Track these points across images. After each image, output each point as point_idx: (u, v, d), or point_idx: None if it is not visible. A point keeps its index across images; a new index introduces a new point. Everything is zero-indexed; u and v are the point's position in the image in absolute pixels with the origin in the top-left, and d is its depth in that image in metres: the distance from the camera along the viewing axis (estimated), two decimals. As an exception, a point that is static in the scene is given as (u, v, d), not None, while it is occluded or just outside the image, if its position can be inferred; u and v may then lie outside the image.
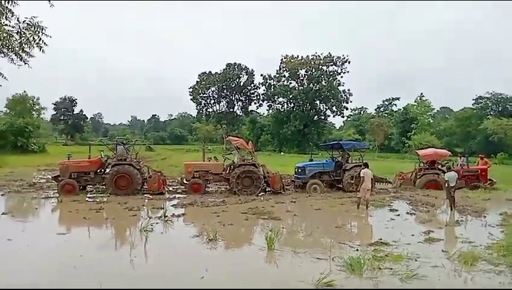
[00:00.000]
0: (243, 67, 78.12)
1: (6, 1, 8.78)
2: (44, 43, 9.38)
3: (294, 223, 11.12)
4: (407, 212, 12.38)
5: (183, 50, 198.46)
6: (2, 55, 9.39)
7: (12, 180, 18.76)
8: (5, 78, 9.60)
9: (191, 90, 79.67)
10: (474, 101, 73.27)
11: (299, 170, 17.35)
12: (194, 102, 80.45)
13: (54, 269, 6.64)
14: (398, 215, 11.92)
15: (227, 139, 21.52)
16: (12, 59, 9.44)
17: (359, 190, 12.64)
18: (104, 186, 15.33)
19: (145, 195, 14.85)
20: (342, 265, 6.69)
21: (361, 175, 12.69)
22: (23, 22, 9.16)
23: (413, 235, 9.15)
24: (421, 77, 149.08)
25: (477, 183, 18.07)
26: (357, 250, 7.83)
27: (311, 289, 5.82)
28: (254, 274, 6.58)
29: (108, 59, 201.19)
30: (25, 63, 9.65)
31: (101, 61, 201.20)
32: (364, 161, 15.35)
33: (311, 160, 18.68)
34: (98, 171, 15.90)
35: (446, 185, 12.85)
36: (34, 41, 9.21)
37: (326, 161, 17.96)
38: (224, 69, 77.63)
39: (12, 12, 8.90)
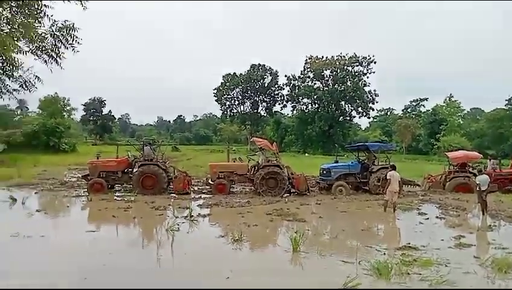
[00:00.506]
0: (267, 68, 78.21)
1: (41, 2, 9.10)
2: (78, 42, 9.73)
3: (319, 225, 11.02)
4: (437, 216, 12.04)
5: (206, 51, 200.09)
6: (36, 57, 9.80)
7: (45, 179, 19.46)
8: (41, 81, 10.00)
9: (215, 91, 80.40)
10: (506, 102, 70.60)
11: (325, 172, 17.18)
12: (219, 103, 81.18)
13: (84, 266, 6.80)
14: (427, 219, 11.61)
15: (251, 140, 21.54)
16: (45, 61, 9.83)
17: (386, 193, 12.41)
18: (132, 186, 15.67)
19: (172, 195, 15.07)
20: (368, 269, 6.57)
21: (388, 177, 12.46)
22: (56, 24, 9.54)
23: (442, 240, 8.90)
24: (450, 77, 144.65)
25: (510, 187, 17.42)
26: (384, 254, 7.68)
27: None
28: (279, 276, 6.56)
29: (130, 60, 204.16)
30: (58, 64, 10.04)
31: (123, 62, 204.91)
32: (391, 163, 15.09)
33: (337, 161, 18.47)
34: (125, 170, 16.27)
35: (477, 188, 12.42)
36: (67, 42, 9.57)
37: (352, 162, 17.71)
38: (248, 70, 77.94)
39: (47, 15, 9.26)
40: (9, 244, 7.95)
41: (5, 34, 7.56)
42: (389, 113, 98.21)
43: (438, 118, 69.29)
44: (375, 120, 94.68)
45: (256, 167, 16.15)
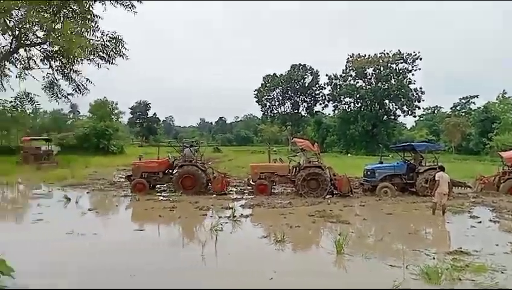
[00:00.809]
0: (308, 68, 77.72)
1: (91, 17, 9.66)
2: (124, 53, 10.26)
3: (364, 227, 10.77)
4: (490, 220, 11.38)
5: (246, 51, 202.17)
6: (89, 61, 10.42)
7: (96, 179, 20.47)
8: (92, 83, 10.61)
9: (255, 92, 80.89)
10: None
11: (369, 173, 16.74)
12: (259, 104, 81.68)
13: (132, 264, 7.07)
14: (480, 222, 11.01)
15: (292, 141, 21.52)
16: (98, 64, 10.44)
17: (434, 195, 11.90)
18: (172, 186, 16.11)
19: (214, 195, 15.32)
20: (417, 274, 6.34)
21: (437, 179, 11.93)
22: (106, 35, 10.12)
23: (497, 245, 8.38)
24: (501, 73, 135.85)
25: None
26: (434, 258, 7.36)
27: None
28: (323, 278, 6.48)
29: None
30: (112, 63, 10.62)
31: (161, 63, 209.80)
32: (439, 164, 14.47)
33: (381, 162, 17.95)
34: (166, 171, 16.75)
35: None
36: (116, 52, 10.12)
37: (398, 163, 17.14)
38: (288, 71, 77.85)
39: (98, 27, 9.84)
40: (65, 241, 8.42)
41: (71, 34, 8.11)
42: (436, 111, 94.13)
43: (490, 116, 65.42)
44: (421, 119, 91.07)
45: (298, 168, 16.05)
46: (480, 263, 6.85)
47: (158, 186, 17.16)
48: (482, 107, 71.48)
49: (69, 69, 10.16)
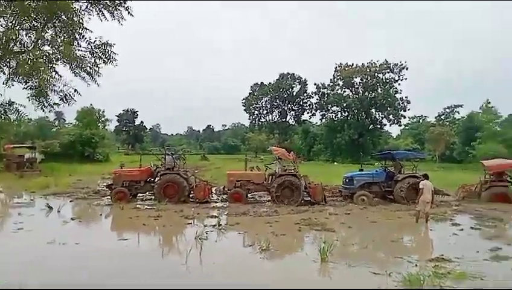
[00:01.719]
0: (296, 77, 78.31)
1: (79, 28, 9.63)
2: (115, 59, 10.24)
3: (348, 235, 10.85)
4: (472, 227, 11.60)
5: (233, 60, 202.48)
6: (75, 75, 10.33)
7: (79, 188, 20.11)
8: (79, 94, 10.50)
9: (243, 101, 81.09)
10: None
11: (347, 180, 16.92)
12: (247, 112, 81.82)
13: (116, 273, 6.98)
14: (461, 230, 11.20)
15: (268, 149, 21.79)
16: (83, 78, 10.36)
17: (418, 203, 12.06)
18: (153, 195, 15.86)
19: (198, 203, 15.20)
20: (399, 281, 6.42)
21: (421, 187, 12.12)
22: (94, 42, 10.09)
23: (478, 252, 8.54)
24: (485, 83, 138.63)
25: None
26: (416, 265, 7.47)
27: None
28: (307, 286, 6.50)
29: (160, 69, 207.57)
30: (95, 82, 10.59)
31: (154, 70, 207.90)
32: (424, 172, 14.68)
33: (362, 170, 18.15)
34: (148, 179, 16.51)
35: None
36: (106, 58, 10.08)
37: (377, 171, 17.41)
38: (277, 79, 78.33)
39: (84, 37, 9.80)
40: (46, 250, 8.28)
41: (40, 57, 8.02)
42: (421, 120, 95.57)
43: (474, 125, 66.64)
44: (406, 128, 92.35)
45: (273, 176, 16.09)
46: (461, 270, 6.97)
47: (143, 195, 16.94)
48: (466, 117, 72.85)
49: (45, 87, 9.91)
